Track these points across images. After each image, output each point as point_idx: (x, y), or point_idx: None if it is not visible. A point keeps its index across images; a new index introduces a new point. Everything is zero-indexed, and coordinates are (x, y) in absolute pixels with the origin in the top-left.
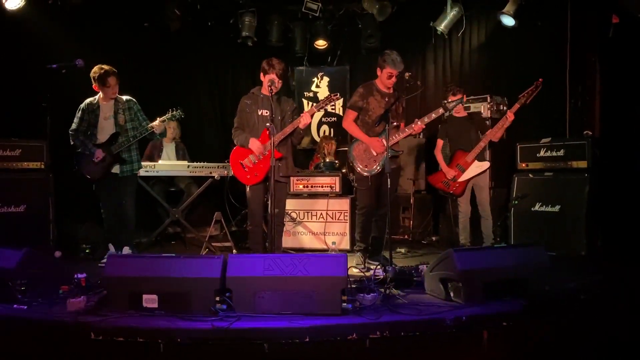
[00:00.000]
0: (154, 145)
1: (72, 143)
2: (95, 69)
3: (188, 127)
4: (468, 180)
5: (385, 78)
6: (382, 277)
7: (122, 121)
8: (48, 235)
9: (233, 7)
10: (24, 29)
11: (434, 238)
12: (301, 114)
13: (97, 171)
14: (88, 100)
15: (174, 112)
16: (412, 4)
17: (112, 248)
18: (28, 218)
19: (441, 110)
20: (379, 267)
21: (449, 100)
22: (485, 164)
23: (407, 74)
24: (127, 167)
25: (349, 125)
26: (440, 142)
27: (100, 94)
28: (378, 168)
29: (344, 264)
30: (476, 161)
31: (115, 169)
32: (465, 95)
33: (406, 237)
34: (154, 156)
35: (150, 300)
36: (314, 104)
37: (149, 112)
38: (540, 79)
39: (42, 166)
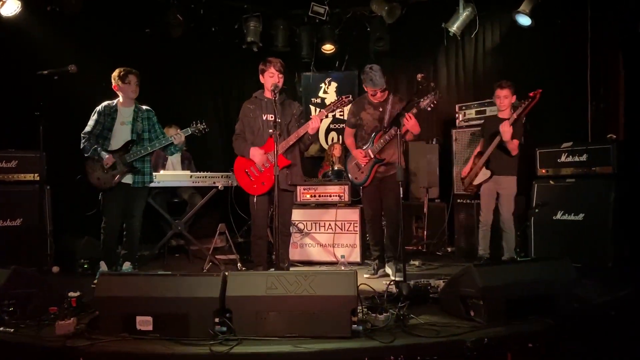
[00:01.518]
0: (158, 154)
1: (81, 146)
2: (116, 69)
3: (191, 135)
4: (479, 185)
5: (370, 95)
6: (395, 293)
7: (139, 129)
8: (45, 250)
9: (237, 12)
10: (21, 36)
11: (449, 249)
12: (311, 118)
13: (107, 179)
14: (106, 103)
15: (198, 125)
16: (423, 4)
17: (104, 266)
18: (24, 232)
19: (414, 111)
20: (391, 284)
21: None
22: (487, 173)
23: (419, 75)
24: (139, 177)
25: (346, 141)
26: (482, 141)
27: (120, 98)
28: (365, 179)
29: (354, 281)
30: (483, 168)
31: (127, 179)
32: (438, 93)
33: (419, 248)
34: (158, 166)
35: (144, 323)
36: (325, 107)
37: None
38: (539, 90)
39: (38, 178)
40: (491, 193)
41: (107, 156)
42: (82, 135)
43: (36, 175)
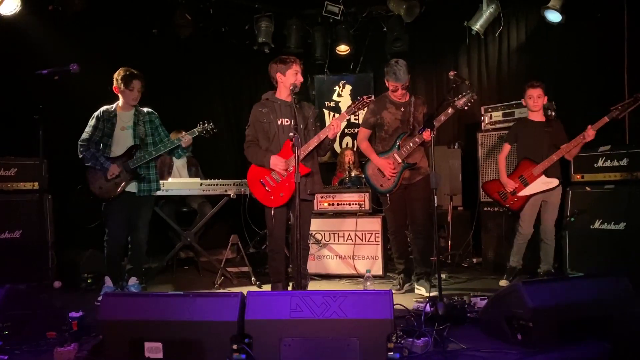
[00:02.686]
0: (162, 161)
1: (80, 155)
2: (120, 69)
3: (200, 140)
4: (529, 197)
5: (391, 91)
6: (429, 312)
7: (142, 134)
8: (47, 263)
9: (248, 12)
10: (21, 36)
11: (474, 260)
12: (331, 122)
13: (110, 188)
14: (104, 108)
15: (205, 126)
16: (443, 2)
17: (109, 282)
18: (24, 245)
19: (451, 111)
20: (425, 299)
21: (458, 100)
22: (554, 182)
23: (451, 73)
24: (145, 185)
25: (360, 143)
26: (507, 147)
27: (119, 102)
28: (393, 186)
29: (390, 303)
30: (543, 176)
31: (132, 187)
32: (474, 90)
33: (443, 259)
34: (164, 173)
35: (153, 350)
36: (345, 110)
37: None
38: None
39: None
40: (537, 203)
41: (111, 166)
42: (79, 143)
43: (36, 183)
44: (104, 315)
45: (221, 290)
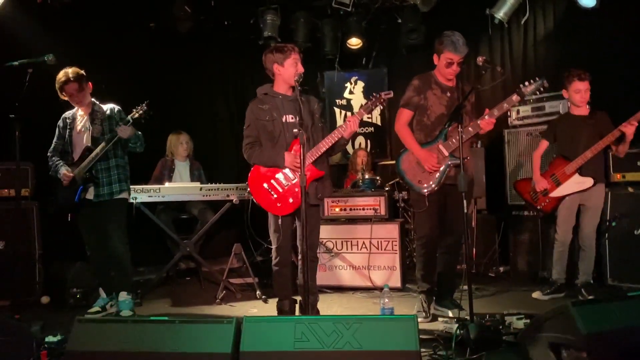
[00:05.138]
0: (163, 164)
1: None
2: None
3: (202, 142)
4: (562, 198)
5: (444, 66)
6: (457, 335)
7: (97, 132)
8: (34, 277)
9: (253, 4)
10: (8, 32)
11: (502, 269)
12: (347, 120)
13: (69, 198)
14: (65, 114)
15: (138, 109)
16: None
17: (102, 293)
18: (9, 257)
19: (515, 98)
20: (453, 321)
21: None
22: (588, 181)
23: (480, 59)
24: (103, 189)
25: (402, 128)
26: (544, 144)
27: None
28: (435, 184)
29: (415, 330)
30: (577, 175)
31: (90, 194)
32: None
33: (465, 267)
34: (163, 177)
35: None
36: (361, 107)
37: (157, 129)
38: None
39: (27, 194)
40: (574, 206)
41: (62, 172)
42: (48, 154)
43: (25, 190)
44: (74, 346)
45: (214, 314)
